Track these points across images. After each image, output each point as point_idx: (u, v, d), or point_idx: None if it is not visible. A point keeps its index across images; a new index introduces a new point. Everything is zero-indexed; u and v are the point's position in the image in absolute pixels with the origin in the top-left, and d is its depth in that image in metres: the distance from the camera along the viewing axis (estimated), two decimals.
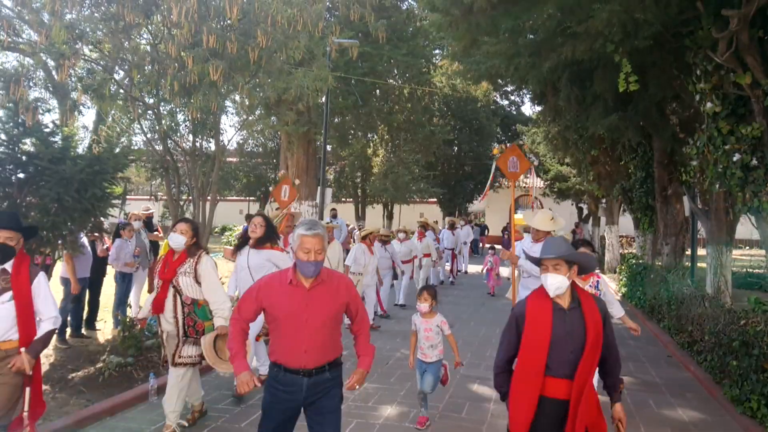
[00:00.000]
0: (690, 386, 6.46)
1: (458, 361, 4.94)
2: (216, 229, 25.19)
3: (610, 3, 6.15)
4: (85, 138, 7.17)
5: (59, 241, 5.80)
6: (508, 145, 14.61)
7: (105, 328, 7.87)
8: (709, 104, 6.90)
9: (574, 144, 14.87)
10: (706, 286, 8.82)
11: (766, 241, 7.43)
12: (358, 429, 4.81)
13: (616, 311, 4.94)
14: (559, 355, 2.85)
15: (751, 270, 14.56)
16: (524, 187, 28.16)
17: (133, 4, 6.11)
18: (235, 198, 32.69)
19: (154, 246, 8.92)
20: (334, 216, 16.93)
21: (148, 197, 28.90)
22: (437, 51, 20.25)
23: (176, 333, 4.45)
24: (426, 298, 4.82)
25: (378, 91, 18.10)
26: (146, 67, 6.66)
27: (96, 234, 7.03)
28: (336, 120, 18.17)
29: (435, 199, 29.45)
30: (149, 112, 7.77)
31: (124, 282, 7.92)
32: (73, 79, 6.85)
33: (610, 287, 6.32)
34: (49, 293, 3.63)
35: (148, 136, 8.23)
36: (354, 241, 14.67)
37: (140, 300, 8.04)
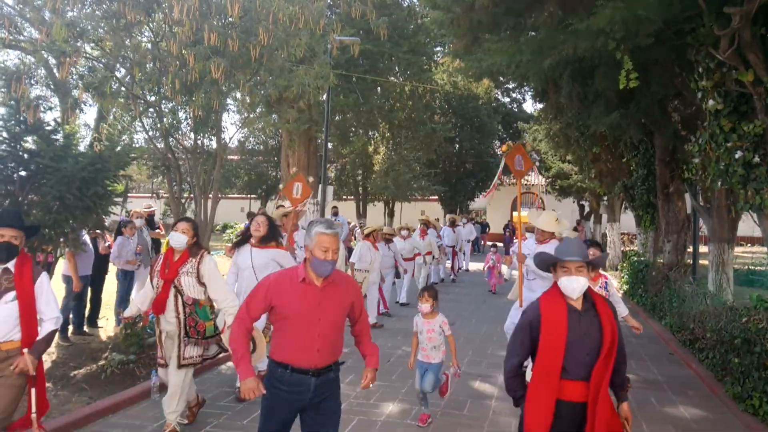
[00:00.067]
0: (692, 384, 6.46)
1: (457, 369, 4.89)
2: (217, 227, 25.21)
3: (612, 0, 6.13)
4: (86, 136, 7.20)
5: (61, 239, 5.79)
6: (512, 143, 14.59)
7: (107, 326, 7.89)
8: (711, 102, 6.88)
9: (576, 141, 14.83)
10: (708, 283, 8.81)
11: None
12: (360, 426, 4.82)
13: (621, 311, 4.96)
14: (576, 357, 2.81)
15: (753, 267, 14.57)
16: (527, 185, 28.13)
17: (134, 1, 6.11)
18: (236, 196, 32.75)
19: (156, 244, 8.94)
20: (336, 214, 16.96)
21: (150, 195, 28.85)
22: (438, 48, 20.20)
23: (177, 333, 4.41)
24: (427, 298, 4.81)
25: (379, 88, 18.08)
26: (147, 65, 6.66)
27: (98, 231, 7.03)
28: (337, 118, 18.15)
29: (436, 197, 29.42)
30: (150, 110, 7.77)
31: (126, 279, 7.95)
32: (74, 76, 6.86)
33: (614, 287, 6.32)
34: (51, 293, 3.62)
35: (150, 133, 8.24)
36: (355, 239, 14.69)
37: None
